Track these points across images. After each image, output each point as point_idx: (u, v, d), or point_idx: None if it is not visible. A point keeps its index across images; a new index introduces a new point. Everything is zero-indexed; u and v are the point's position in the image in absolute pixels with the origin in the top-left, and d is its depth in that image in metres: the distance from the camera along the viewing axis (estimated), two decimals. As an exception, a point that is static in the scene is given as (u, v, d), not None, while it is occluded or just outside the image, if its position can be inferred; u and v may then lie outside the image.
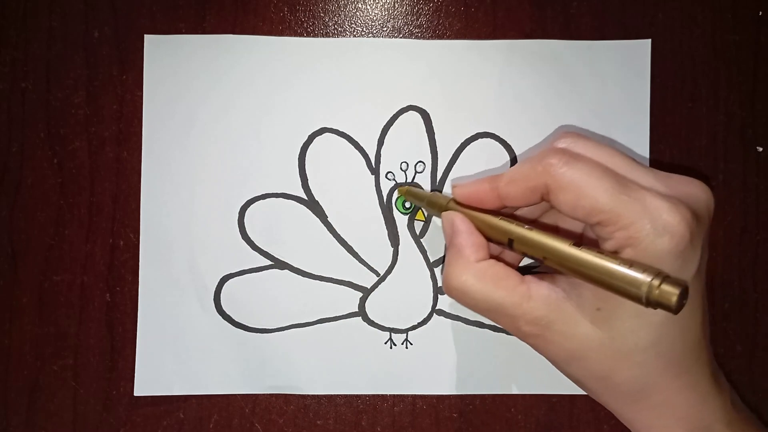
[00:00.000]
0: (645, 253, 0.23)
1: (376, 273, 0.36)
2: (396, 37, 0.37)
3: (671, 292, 0.21)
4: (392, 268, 0.36)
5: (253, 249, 0.36)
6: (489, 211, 0.29)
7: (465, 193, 0.30)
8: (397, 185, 0.36)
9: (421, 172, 0.37)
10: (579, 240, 0.26)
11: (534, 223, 0.32)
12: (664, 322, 0.25)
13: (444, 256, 0.36)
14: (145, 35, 0.36)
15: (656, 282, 0.22)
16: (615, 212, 0.24)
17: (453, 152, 0.37)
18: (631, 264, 0.23)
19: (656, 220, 0.23)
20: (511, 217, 0.29)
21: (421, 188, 0.37)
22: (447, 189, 0.37)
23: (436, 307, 0.36)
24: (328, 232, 0.36)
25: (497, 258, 0.29)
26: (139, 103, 0.36)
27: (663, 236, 0.23)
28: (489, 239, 0.29)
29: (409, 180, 0.37)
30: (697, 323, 0.26)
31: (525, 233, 0.27)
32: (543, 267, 0.29)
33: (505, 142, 0.37)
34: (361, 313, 0.36)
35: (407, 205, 0.37)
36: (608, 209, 0.24)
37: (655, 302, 0.22)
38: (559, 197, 0.25)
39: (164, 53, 0.36)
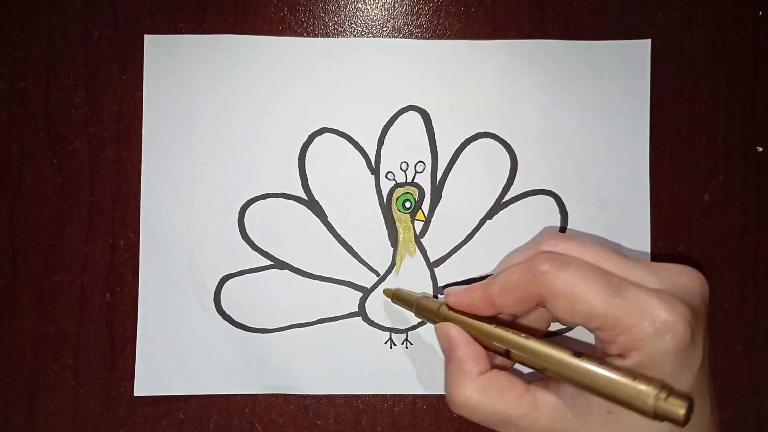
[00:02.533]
0: (649, 354, 0.23)
1: (376, 273, 0.36)
2: (396, 37, 0.37)
3: (678, 405, 0.22)
4: (392, 268, 0.36)
5: (253, 249, 0.36)
6: (484, 317, 0.28)
7: (458, 301, 0.29)
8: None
9: (421, 172, 0.37)
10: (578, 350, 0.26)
11: (529, 330, 0.30)
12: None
13: (443, 256, 0.36)
14: (145, 35, 0.36)
15: (662, 395, 0.22)
16: (612, 316, 0.24)
17: (453, 152, 0.37)
18: (634, 376, 0.23)
19: (655, 320, 0.23)
20: (507, 323, 0.29)
21: (422, 190, 0.37)
22: (447, 189, 0.36)
23: (436, 307, 0.36)
24: (328, 232, 0.36)
25: (499, 366, 0.29)
26: (139, 103, 0.36)
27: (664, 336, 0.23)
28: (485, 347, 0.28)
29: (409, 180, 0.37)
30: (707, 416, 0.26)
31: (522, 342, 0.26)
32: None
33: (505, 142, 0.37)
34: (361, 313, 0.36)
35: (407, 205, 0.37)
36: (604, 314, 0.24)
37: (663, 416, 0.22)
38: (554, 305, 0.25)
39: (164, 53, 0.36)
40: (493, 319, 0.29)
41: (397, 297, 0.35)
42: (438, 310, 0.30)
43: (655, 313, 0.23)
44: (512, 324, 0.29)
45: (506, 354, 0.27)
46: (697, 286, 0.26)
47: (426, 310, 0.32)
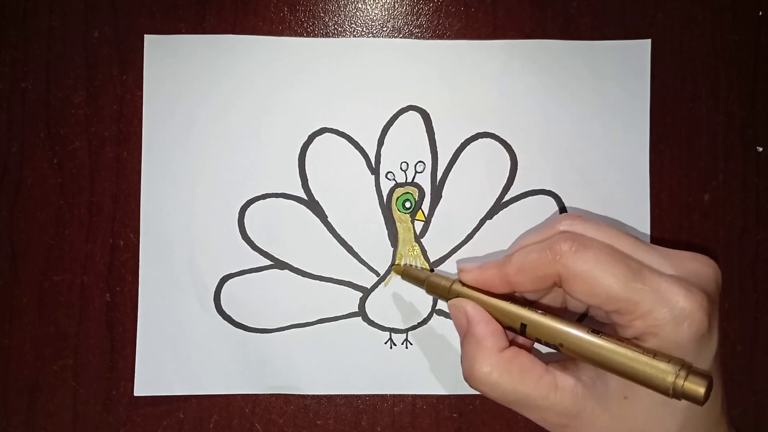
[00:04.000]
0: (667, 341, 0.23)
1: (376, 273, 0.36)
2: (396, 37, 0.37)
3: (699, 383, 0.22)
4: (392, 268, 0.36)
5: (253, 249, 0.36)
6: (497, 294, 0.28)
7: (472, 278, 0.29)
8: (412, 205, 0.36)
9: (421, 172, 0.37)
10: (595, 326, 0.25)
11: (542, 306, 0.30)
12: (689, 406, 0.24)
13: (443, 256, 0.36)
14: (145, 35, 0.36)
15: (683, 373, 0.22)
16: (631, 301, 0.24)
17: (453, 152, 0.37)
18: (654, 354, 0.23)
19: (674, 307, 0.23)
20: (521, 300, 0.28)
21: (422, 190, 0.37)
22: (447, 189, 0.36)
23: (436, 307, 0.36)
24: (328, 232, 0.36)
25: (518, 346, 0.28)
26: (139, 103, 0.36)
27: (682, 323, 0.23)
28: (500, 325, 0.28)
29: (409, 180, 0.37)
30: (718, 401, 0.26)
31: (539, 319, 0.26)
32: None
33: (505, 142, 0.37)
34: (361, 313, 0.36)
35: (407, 205, 0.37)
36: (624, 298, 0.24)
37: (682, 394, 0.22)
38: (572, 286, 0.25)
39: (164, 53, 0.36)
40: (508, 297, 0.28)
41: (407, 273, 0.34)
42: (450, 288, 0.30)
43: (674, 300, 0.23)
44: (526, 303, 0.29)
45: (522, 330, 0.27)
46: (711, 273, 0.26)
47: (438, 288, 0.31)
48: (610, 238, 0.26)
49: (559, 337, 0.25)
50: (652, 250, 0.26)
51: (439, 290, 0.31)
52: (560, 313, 0.28)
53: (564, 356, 0.26)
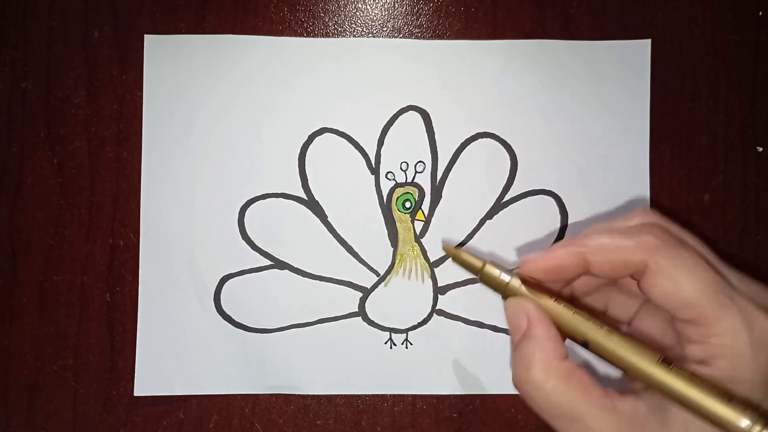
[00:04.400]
0: (740, 368, 0.22)
1: (376, 273, 0.36)
2: (396, 37, 0.37)
3: None
4: (392, 268, 0.36)
5: (253, 249, 0.36)
6: (554, 294, 0.26)
7: (542, 266, 0.26)
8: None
9: (421, 172, 0.37)
10: (662, 353, 0.24)
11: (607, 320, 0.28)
12: None
13: (443, 256, 0.36)
14: (145, 35, 0.36)
15: (760, 424, 0.21)
16: (713, 314, 0.22)
17: (453, 152, 0.37)
18: (730, 397, 0.22)
19: (755, 332, 0.22)
20: (575, 301, 0.26)
21: (422, 190, 0.37)
22: (447, 189, 0.36)
23: (436, 307, 0.36)
24: (328, 232, 0.36)
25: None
26: (139, 103, 0.36)
27: (761, 352, 0.22)
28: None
29: (409, 180, 0.37)
30: None
31: (605, 340, 0.24)
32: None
33: (505, 142, 0.37)
34: (361, 313, 0.36)
35: (407, 205, 0.37)
36: (707, 308, 0.22)
37: None
38: (655, 281, 0.23)
39: (164, 53, 0.36)
40: (570, 302, 0.26)
41: (458, 258, 0.29)
42: (508, 285, 0.27)
43: (757, 326, 0.22)
44: (588, 310, 0.27)
45: (584, 345, 0.25)
46: None
47: (494, 281, 0.27)
48: (696, 245, 0.25)
49: (625, 363, 0.24)
50: (730, 269, 0.25)
51: (495, 284, 0.27)
52: (608, 319, 0.27)
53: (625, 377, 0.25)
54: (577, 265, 0.25)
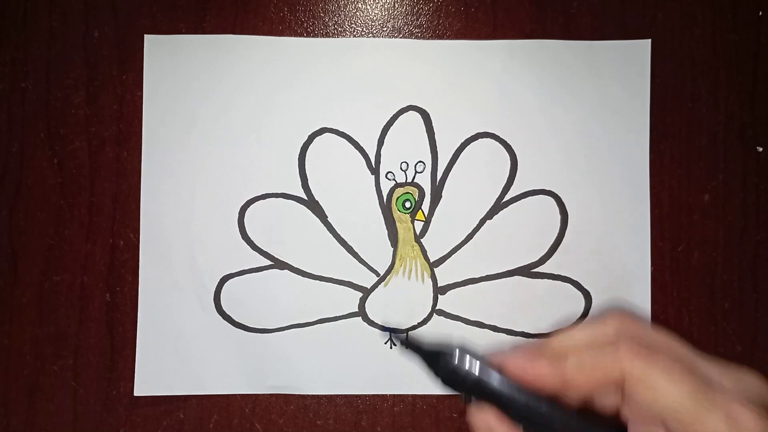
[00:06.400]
0: None
1: (376, 273, 0.36)
2: (396, 37, 0.37)
3: None
4: (392, 268, 0.36)
5: (253, 249, 0.36)
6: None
7: (521, 367, 0.25)
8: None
9: (421, 172, 0.37)
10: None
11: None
12: None
13: (443, 256, 0.36)
14: (145, 35, 0.36)
15: None
16: (698, 419, 0.23)
17: (453, 152, 0.37)
18: None
19: (741, 430, 0.23)
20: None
21: (422, 190, 0.36)
22: (447, 189, 0.36)
23: (436, 307, 0.36)
24: (328, 232, 0.36)
25: None
26: (139, 103, 0.36)
27: None
28: None
29: (409, 180, 0.37)
30: None
31: None
32: None
33: (505, 141, 0.37)
34: (361, 313, 0.36)
35: (407, 205, 0.37)
36: (692, 412, 0.23)
37: None
38: (637, 392, 0.24)
39: (164, 53, 0.36)
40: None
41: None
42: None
43: (743, 424, 0.23)
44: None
45: None
46: (765, 390, 0.25)
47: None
48: (670, 347, 0.25)
49: None
50: (708, 362, 0.25)
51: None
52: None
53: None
54: (558, 382, 0.25)
